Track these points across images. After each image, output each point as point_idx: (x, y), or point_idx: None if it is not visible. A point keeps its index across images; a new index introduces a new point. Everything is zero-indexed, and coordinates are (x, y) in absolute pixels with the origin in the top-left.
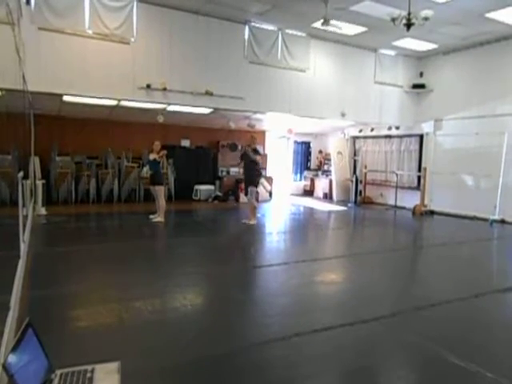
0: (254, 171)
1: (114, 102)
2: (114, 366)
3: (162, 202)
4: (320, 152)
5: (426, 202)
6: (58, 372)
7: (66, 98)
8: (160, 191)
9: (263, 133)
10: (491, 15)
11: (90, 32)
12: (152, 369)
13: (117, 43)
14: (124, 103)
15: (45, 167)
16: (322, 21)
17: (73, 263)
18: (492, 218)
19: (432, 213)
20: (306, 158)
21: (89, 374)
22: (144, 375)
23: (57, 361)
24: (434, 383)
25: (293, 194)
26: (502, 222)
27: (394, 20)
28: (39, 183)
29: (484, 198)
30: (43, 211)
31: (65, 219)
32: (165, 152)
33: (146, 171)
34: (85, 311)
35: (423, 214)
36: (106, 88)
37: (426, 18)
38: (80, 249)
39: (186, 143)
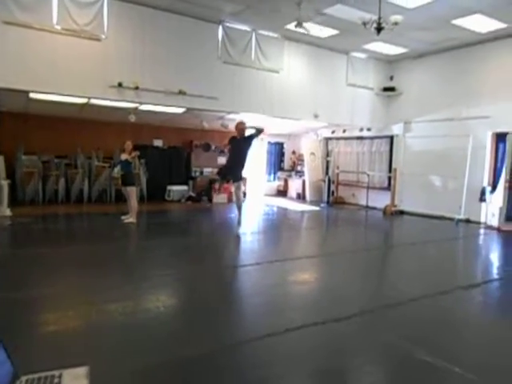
0: (244, 161)
1: (83, 100)
2: (82, 370)
3: (133, 202)
4: (293, 153)
5: (396, 202)
6: (24, 378)
7: (32, 95)
8: (132, 192)
9: None
10: (457, 22)
11: (58, 28)
12: (123, 373)
13: (87, 40)
14: (94, 101)
15: (10, 166)
16: (295, 23)
17: (40, 266)
18: (458, 217)
19: (402, 213)
20: (280, 159)
21: (56, 380)
22: (114, 379)
23: (22, 366)
24: (403, 378)
25: (266, 195)
26: (467, 221)
27: (364, 24)
28: (4, 183)
29: (451, 198)
30: (8, 212)
31: (32, 220)
32: (137, 153)
33: (117, 171)
34: (52, 315)
35: (393, 213)
36: (75, 85)
37: (395, 23)
38: (48, 251)
39: (158, 143)
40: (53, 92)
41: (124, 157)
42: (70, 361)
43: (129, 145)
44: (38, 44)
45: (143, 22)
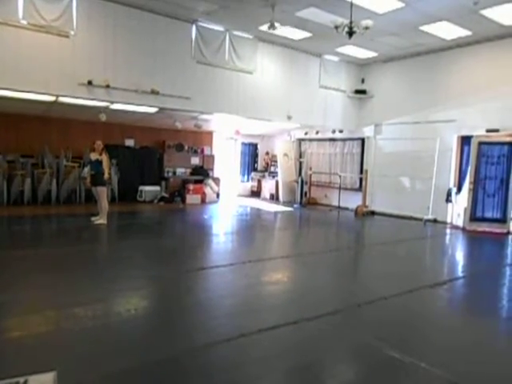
0: None
1: (51, 98)
2: (49, 376)
3: (104, 203)
4: (267, 153)
5: (367, 202)
6: None
7: None
8: (102, 192)
9: (210, 134)
10: (425, 28)
11: (24, 22)
12: (92, 378)
13: (55, 36)
14: (63, 99)
15: None
16: (268, 24)
17: (6, 270)
18: (426, 217)
19: (373, 213)
20: (253, 160)
21: None
22: None
23: None
24: (372, 374)
25: (240, 195)
26: (435, 221)
27: (337, 27)
28: None
29: (419, 199)
30: None
31: None
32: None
33: (86, 171)
34: (18, 320)
35: (365, 214)
36: (42, 83)
37: (366, 28)
38: (14, 255)
39: (130, 143)
40: (18, 89)
41: (94, 156)
42: (37, 367)
43: (99, 144)
44: (1, 39)
45: (115, 19)
